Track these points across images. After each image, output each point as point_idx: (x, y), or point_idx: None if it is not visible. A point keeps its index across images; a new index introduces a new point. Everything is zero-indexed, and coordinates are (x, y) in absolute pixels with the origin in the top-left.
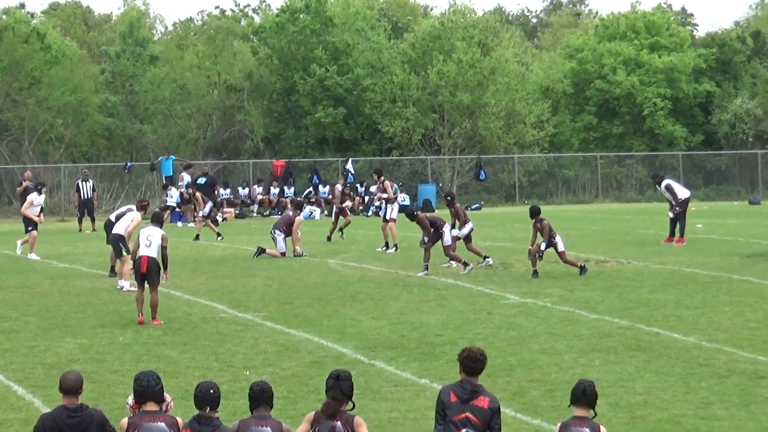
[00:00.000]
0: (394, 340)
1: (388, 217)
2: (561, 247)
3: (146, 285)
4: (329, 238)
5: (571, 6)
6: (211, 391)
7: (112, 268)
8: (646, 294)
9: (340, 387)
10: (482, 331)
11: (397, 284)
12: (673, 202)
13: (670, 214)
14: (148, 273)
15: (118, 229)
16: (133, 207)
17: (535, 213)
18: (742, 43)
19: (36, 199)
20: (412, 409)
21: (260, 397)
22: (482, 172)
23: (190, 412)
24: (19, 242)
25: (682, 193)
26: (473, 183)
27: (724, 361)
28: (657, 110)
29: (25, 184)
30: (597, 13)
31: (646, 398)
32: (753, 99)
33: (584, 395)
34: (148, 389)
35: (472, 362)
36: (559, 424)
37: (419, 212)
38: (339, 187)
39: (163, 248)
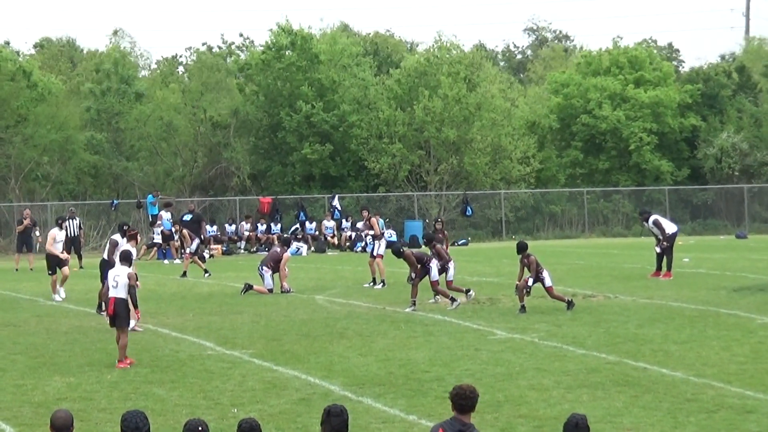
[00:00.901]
0: (381, 377)
1: (375, 253)
2: (548, 282)
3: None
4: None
5: (556, 42)
6: (200, 428)
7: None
8: (634, 329)
9: (331, 423)
10: (470, 367)
11: (385, 320)
12: (661, 237)
13: (658, 249)
14: (116, 315)
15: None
16: (117, 237)
17: (522, 249)
18: (727, 78)
19: (58, 234)
20: None
21: None
22: (469, 208)
23: None
24: (60, 289)
25: (670, 228)
26: (460, 219)
27: (712, 396)
28: (643, 145)
29: (25, 222)
30: (581, 48)
31: None
32: (739, 133)
33: (577, 429)
34: (135, 431)
35: (462, 399)
36: None
37: (405, 249)
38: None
39: (131, 287)
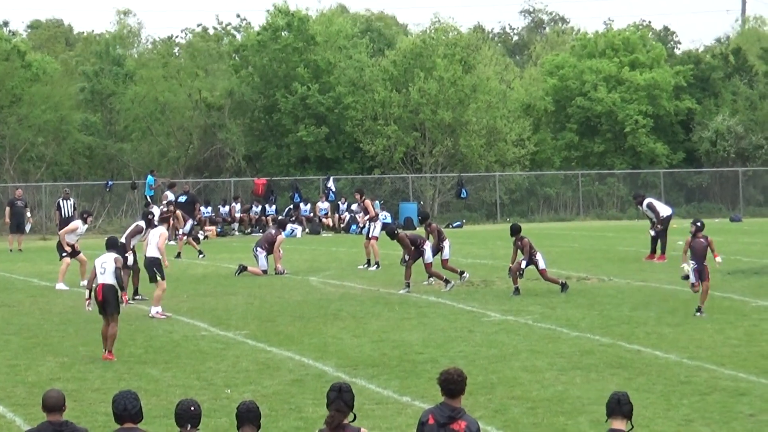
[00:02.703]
0: (375, 358)
1: (370, 235)
2: (542, 264)
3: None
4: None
5: (552, 24)
6: (192, 408)
7: (136, 290)
8: (627, 311)
9: (343, 399)
10: (463, 349)
11: (379, 302)
12: (655, 220)
13: (652, 232)
14: (105, 301)
15: (153, 251)
16: (142, 223)
17: (515, 231)
18: (724, 60)
19: (80, 227)
20: (393, 426)
21: (246, 417)
22: (463, 190)
23: (172, 430)
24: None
25: (664, 210)
26: (455, 201)
27: (705, 379)
28: (638, 128)
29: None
30: (578, 30)
31: None
32: (734, 116)
33: (619, 405)
34: (125, 413)
35: (451, 384)
36: None
37: (400, 231)
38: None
39: (118, 269)
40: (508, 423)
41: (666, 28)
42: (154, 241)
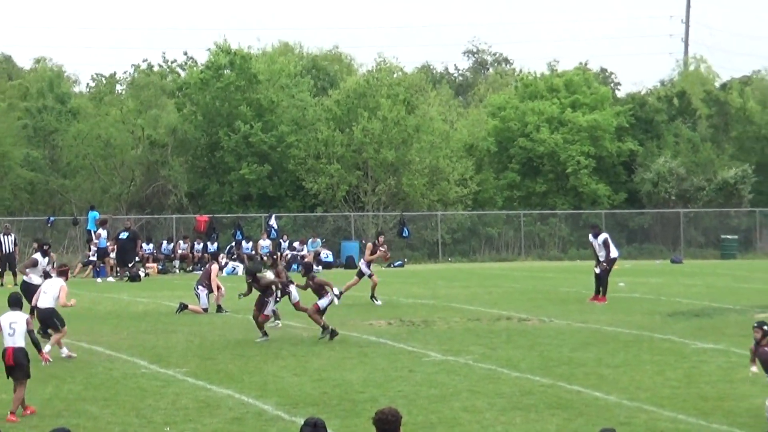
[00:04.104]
0: (315, 397)
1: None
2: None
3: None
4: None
5: (495, 65)
6: None
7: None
8: (568, 352)
9: None
10: (404, 389)
11: (319, 341)
12: (602, 259)
13: (597, 270)
14: (17, 366)
15: (47, 301)
16: (38, 257)
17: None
18: (668, 103)
19: (41, 261)
20: None
21: None
22: (405, 229)
23: None
24: None
25: (614, 251)
26: (397, 240)
27: (645, 420)
28: (580, 168)
29: None
30: (520, 71)
31: None
32: (676, 158)
33: None
34: None
35: (385, 424)
36: None
37: (260, 272)
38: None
39: (30, 332)
40: None
41: (604, 70)
42: (51, 292)
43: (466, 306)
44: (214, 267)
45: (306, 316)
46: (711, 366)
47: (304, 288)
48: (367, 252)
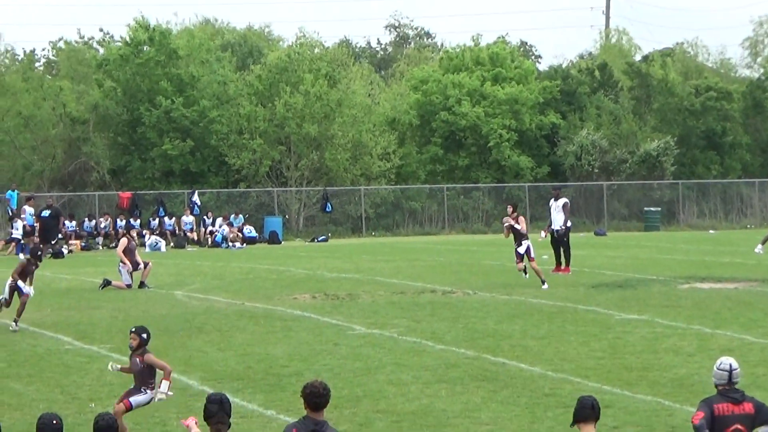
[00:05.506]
0: (240, 372)
1: (532, 256)
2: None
3: None
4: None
5: (417, 39)
6: (54, 422)
7: None
8: (493, 324)
9: (225, 411)
10: (329, 362)
11: (244, 316)
12: (561, 223)
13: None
14: None
15: None
16: None
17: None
18: (590, 75)
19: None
20: None
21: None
22: (329, 204)
23: None
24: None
25: (569, 222)
26: (320, 215)
27: (570, 391)
28: (502, 142)
29: None
30: (443, 46)
31: (492, 428)
32: (598, 131)
33: (594, 410)
34: None
35: (316, 398)
36: None
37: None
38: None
39: None
40: None
41: (524, 43)
42: None
43: (390, 280)
44: (122, 241)
45: None
46: (635, 337)
47: None
48: None
